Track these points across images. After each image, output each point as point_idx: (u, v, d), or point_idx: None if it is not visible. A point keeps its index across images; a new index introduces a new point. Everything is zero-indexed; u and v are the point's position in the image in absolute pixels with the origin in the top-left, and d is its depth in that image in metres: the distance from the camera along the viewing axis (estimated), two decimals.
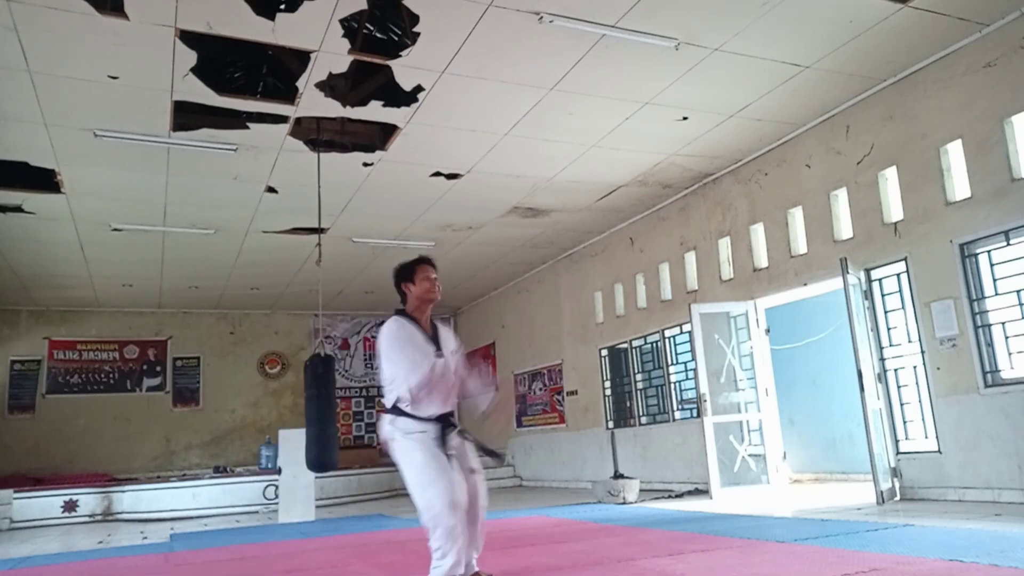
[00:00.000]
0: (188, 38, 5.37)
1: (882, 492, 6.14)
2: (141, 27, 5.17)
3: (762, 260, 8.21)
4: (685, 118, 7.21)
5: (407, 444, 3.41)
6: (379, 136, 7.22)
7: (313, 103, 6.41)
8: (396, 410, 3.45)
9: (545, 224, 10.32)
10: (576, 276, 11.70)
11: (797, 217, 7.78)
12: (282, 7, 5.10)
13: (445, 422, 3.48)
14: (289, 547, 6.11)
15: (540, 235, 10.83)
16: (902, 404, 6.63)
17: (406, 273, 3.68)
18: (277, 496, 9.54)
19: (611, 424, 10.75)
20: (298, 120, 6.73)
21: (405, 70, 6.00)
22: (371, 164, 7.80)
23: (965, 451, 6.01)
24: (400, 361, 3.45)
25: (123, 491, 10.81)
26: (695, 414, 8.76)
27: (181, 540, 7.31)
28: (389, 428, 3.47)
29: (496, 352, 14.29)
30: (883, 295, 6.80)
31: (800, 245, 7.73)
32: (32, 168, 7.35)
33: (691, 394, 9.02)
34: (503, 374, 13.98)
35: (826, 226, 7.36)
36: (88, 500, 10.66)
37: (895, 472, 6.50)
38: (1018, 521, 4.77)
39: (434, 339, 3.57)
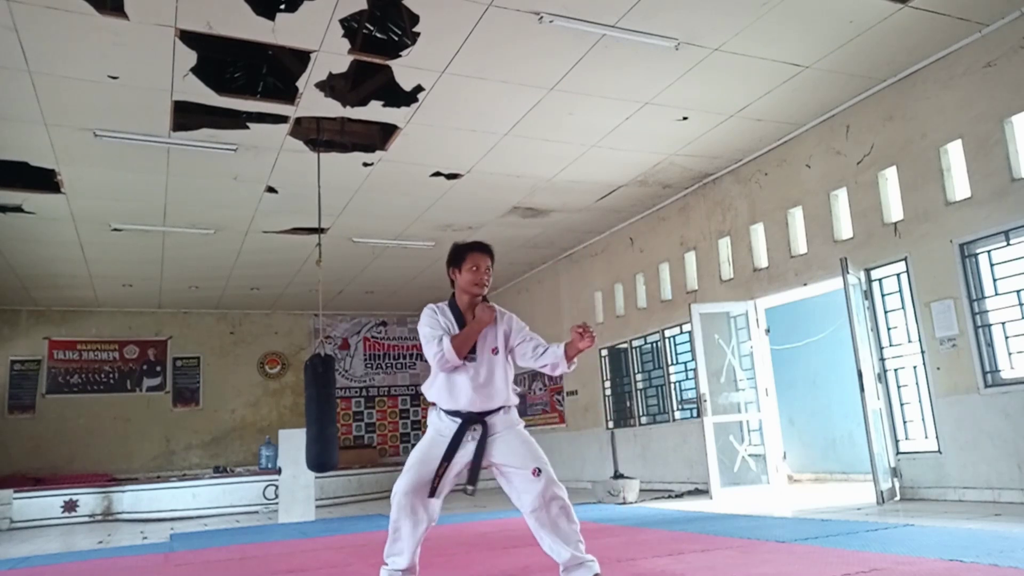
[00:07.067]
0: (188, 38, 5.37)
1: (882, 492, 6.14)
2: (141, 27, 5.18)
3: (762, 260, 8.20)
4: (685, 118, 7.21)
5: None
6: (379, 136, 7.22)
7: (313, 103, 6.41)
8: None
9: (545, 224, 10.32)
10: (576, 276, 11.70)
11: (797, 217, 7.78)
12: (282, 7, 5.10)
13: (473, 420, 3.19)
14: (289, 547, 6.11)
15: (540, 235, 10.83)
16: (902, 404, 6.62)
17: (454, 258, 3.33)
18: (277, 496, 9.54)
19: (611, 424, 10.74)
20: (298, 120, 6.73)
21: (405, 70, 6.00)
22: (371, 164, 7.80)
23: (965, 451, 6.01)
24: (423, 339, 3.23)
25: (123, 491, 10.81)
26: (695, 414, 8.76)
27: (181, 540, 7.31)
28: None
29: None
30: (883, 295, 6.80)
31: (800, 245, 7.72)
32: (32, 168, 7.35)
33: (691, 394, 9.01)
34: None
35: (826, 226, 7.36)
36: (88, 500, 10.66)
37: (895, 472, 6.50)
38: (1018, 521, 4.77)
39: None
